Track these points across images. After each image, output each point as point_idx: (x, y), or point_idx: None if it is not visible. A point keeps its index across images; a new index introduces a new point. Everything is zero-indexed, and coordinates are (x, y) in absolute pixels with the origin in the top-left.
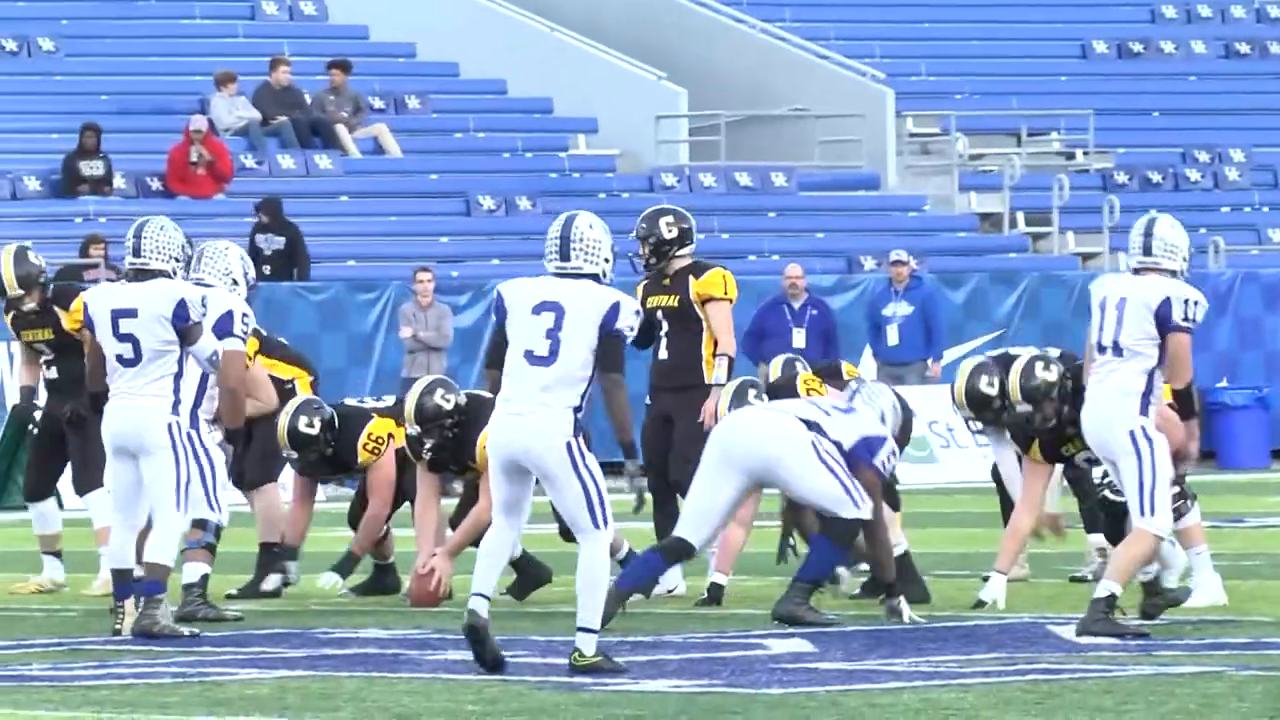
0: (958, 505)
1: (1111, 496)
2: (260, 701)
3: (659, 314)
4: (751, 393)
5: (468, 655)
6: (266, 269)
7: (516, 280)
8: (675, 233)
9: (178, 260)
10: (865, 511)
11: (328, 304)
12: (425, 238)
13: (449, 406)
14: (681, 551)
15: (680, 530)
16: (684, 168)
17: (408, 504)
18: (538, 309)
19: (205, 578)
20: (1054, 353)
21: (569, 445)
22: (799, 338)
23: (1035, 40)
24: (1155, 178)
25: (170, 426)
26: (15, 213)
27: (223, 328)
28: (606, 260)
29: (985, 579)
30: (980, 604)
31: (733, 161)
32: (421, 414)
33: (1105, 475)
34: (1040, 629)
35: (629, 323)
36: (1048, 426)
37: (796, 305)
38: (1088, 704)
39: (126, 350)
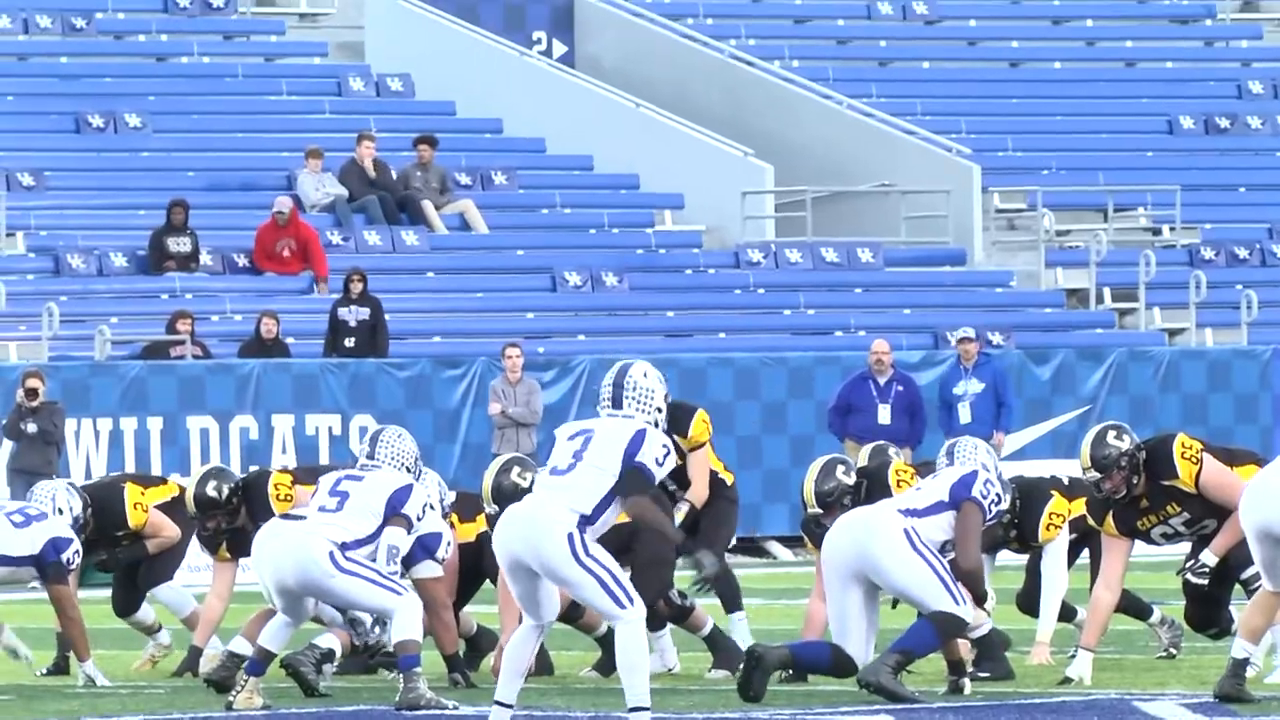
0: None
1: (1193, 579)
2: None
3: None
4: (840, 469)
5: None
6: (350, 341)
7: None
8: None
9: (410, 470)
10: (966, 613)
11: (414, 380)
12: (511, 314)
13: (525, 485)
14: (849, 666)
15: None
16: (770, 243)
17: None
18: (573, 436)
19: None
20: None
21: (570, 537)
22: (884, 414)
23: (1122, 116)
24: (1242, 253)
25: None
26: (102, 289)
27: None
28: (659, 410)
29: (1071, 656)
30: (1067, 680)
31: (819, 237)
32: (498, 492)
33: (1188, 558)
34: (1126, 704)
35: (654, 454)
36: (1117, 497)
37: (882, 381)
38: None
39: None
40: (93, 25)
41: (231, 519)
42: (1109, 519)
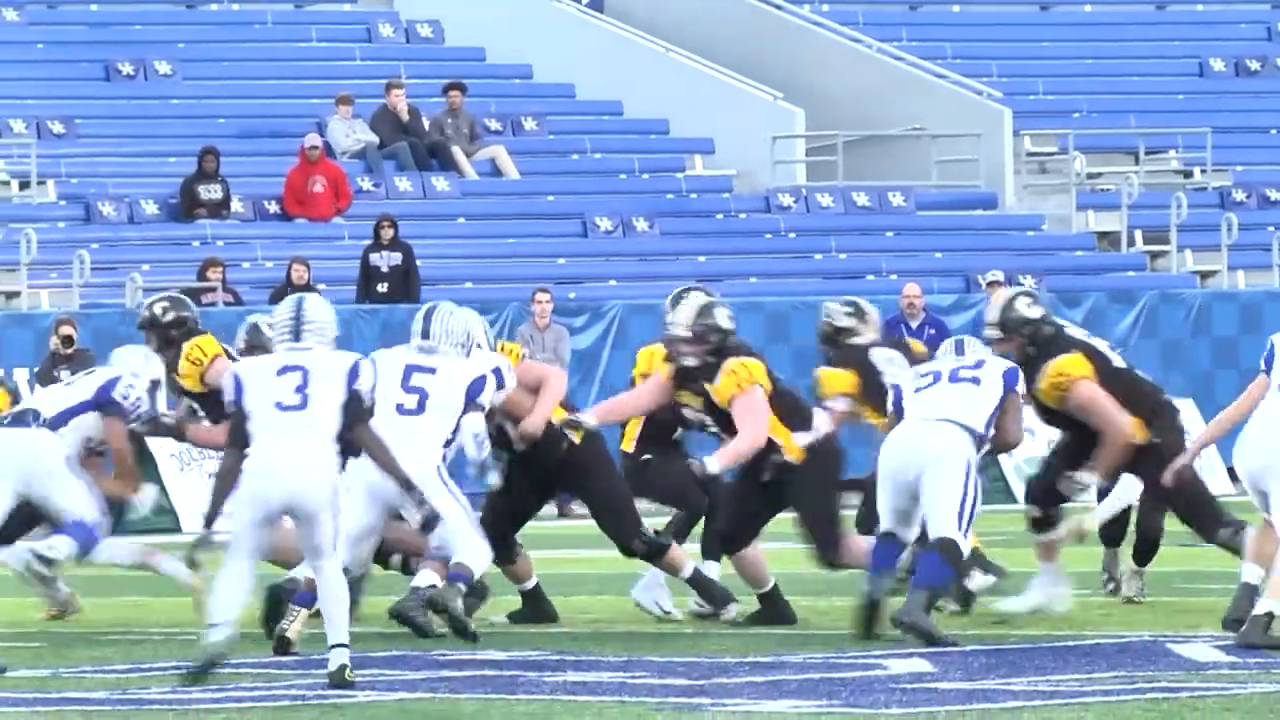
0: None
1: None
2: None
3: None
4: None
5: (587, 677)
6: (382, 286)
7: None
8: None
9: (463, 346)
10: (965, 547)
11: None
12: (542, 259)
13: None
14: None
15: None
16: (801, 188)
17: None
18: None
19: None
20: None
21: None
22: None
23: (1153, 59)
24: (1273, 195)
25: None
26: (134, 236)
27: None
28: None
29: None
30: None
31: (850, 181)
32: None
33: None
34: (1159, 647)
35: (367, 384)
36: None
37: (915, 324)
38: None
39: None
40: None
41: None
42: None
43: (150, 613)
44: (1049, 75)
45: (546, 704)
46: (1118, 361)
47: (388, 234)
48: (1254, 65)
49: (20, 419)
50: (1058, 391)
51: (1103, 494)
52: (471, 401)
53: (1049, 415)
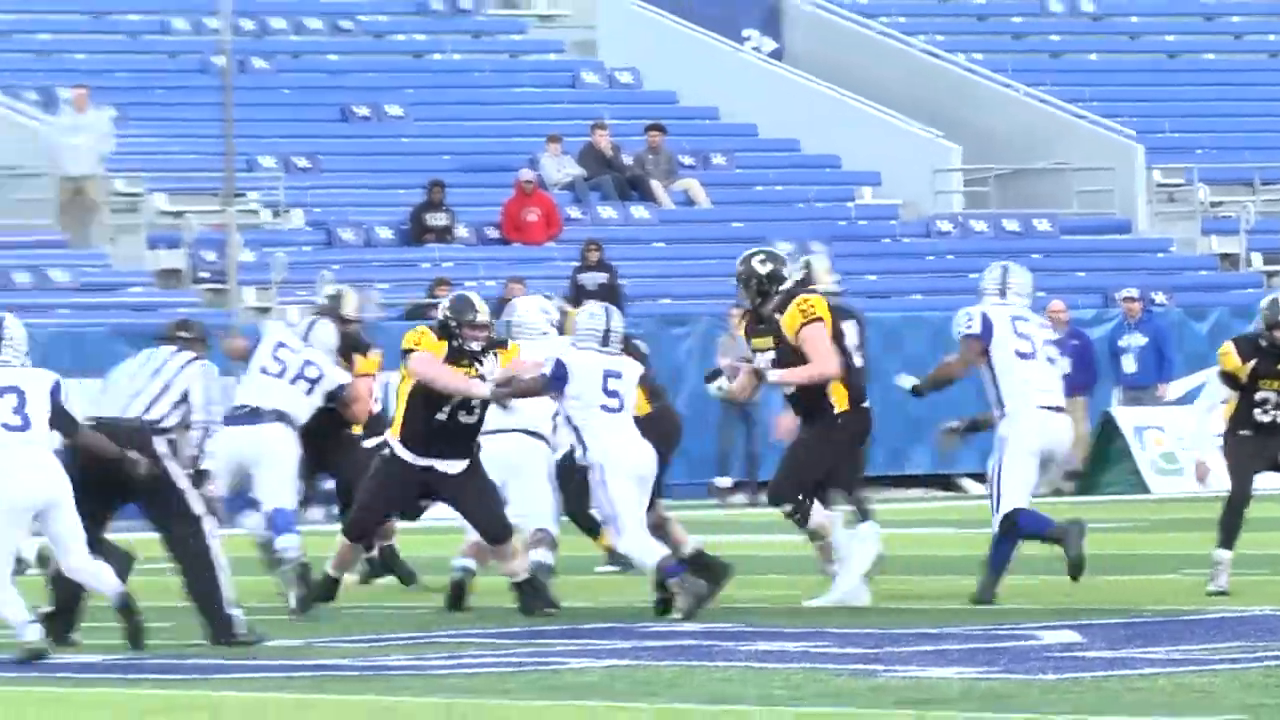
0: (1211, 511)
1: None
2: (590, 688)
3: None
4: None
5: (774, 646)
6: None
7: None
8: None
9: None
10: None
11: (645, 337)
12: (730, 278)
13: None
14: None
15: None
16: (958, 215)
17: None
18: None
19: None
20: None
21: None
22: (1062, 365)
23: (1268, 101)
24: None
25: None
26: (369, 258)
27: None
28: None
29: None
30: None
31: (1001, 210)
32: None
33: None
34: (1278, 619)
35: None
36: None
37: (1059, 336)
38: None
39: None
40: (357, 26)
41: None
42: None
43: (380, 591)
44: (1176, 115)
45: (740, 671)
46: None
47: (594, 256)
48: None
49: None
50: None
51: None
52: None
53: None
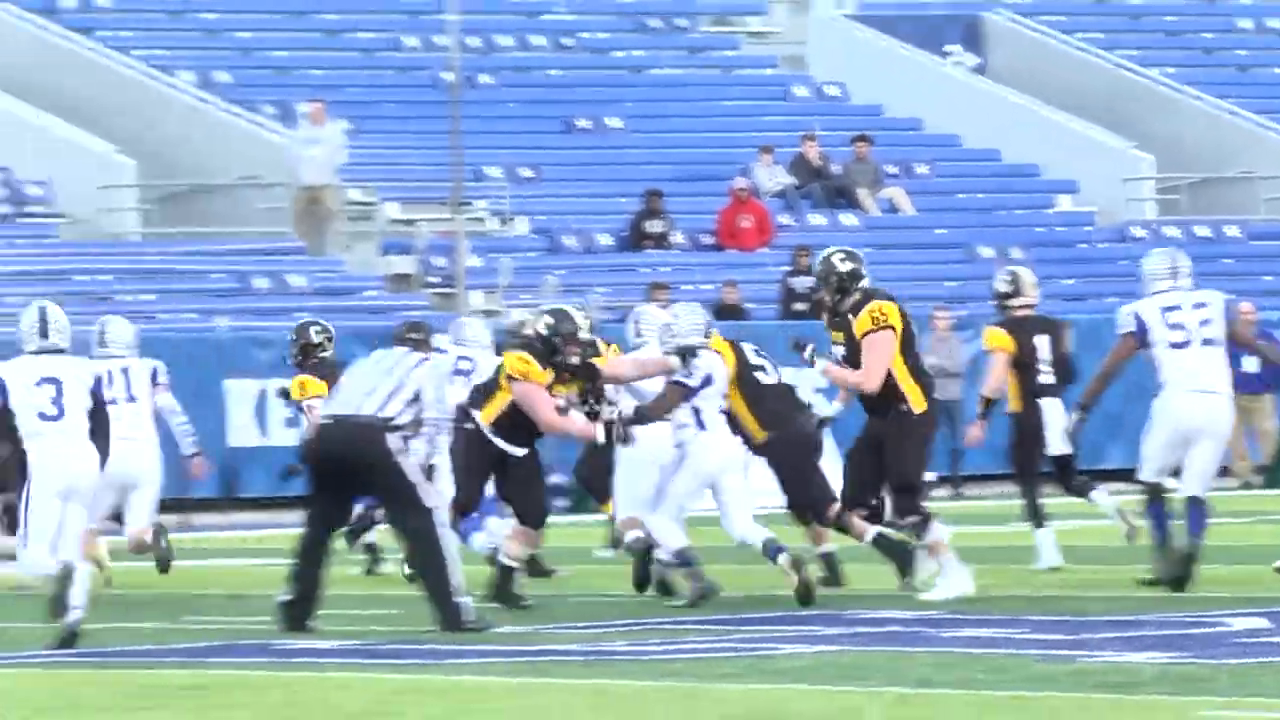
0: None
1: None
2: (801, 672)
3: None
4: None
5: (979, 633)
6: (800, 305)
7: None
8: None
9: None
10: None
11: None
12: (933, 282)
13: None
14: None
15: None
16: (1151, 222)
17: None
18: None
19: None
20: None
21: None
22: (1250, 364)
23: None
24: None
25: None
26: (591, 264)
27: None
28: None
29: None
30: None
31: (1192, 216)
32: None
33: None
34: None
35: None
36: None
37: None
38: None
39: None
40: (579, 43)
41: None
42: None
43: (612, 579)
44: None
45: (944, 655)
46: None
47: (804, 261)
48: None
49: None
50: None
51: None
52: None
53: None
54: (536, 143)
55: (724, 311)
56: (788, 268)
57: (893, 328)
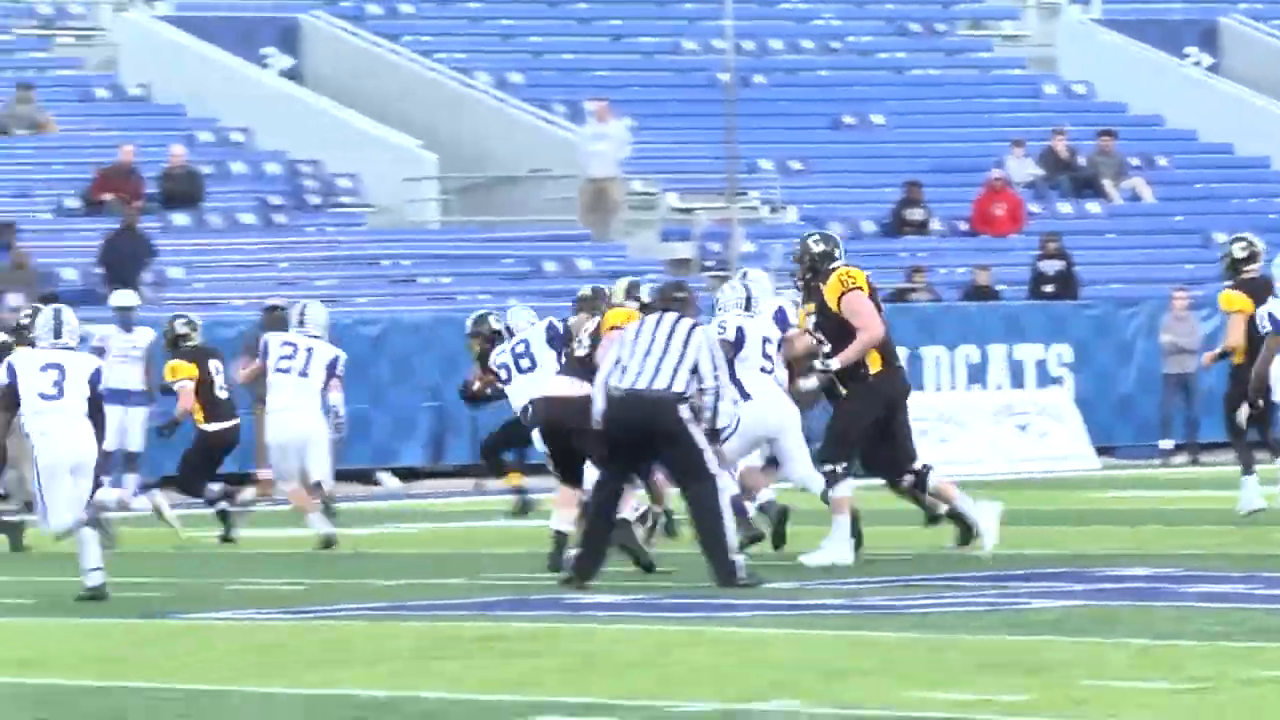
0: None
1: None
2: (1047, 625)
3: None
4: None
5: (1216, 588)
6: (1048, 288)
7: None
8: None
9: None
10: None
11: (1098, 318)
12: (1172, 265)
13: None
14: None
15: None
16: None
17: None
18: None
19: None
20: None
21: None
22: None
23: None
24: None
25: None
26: (854, 248)
27: None
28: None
29: None
30: None
31: None
32: None
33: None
34: None
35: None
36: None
37: None
38: None
39: None
40: (845, 46)
41: None
42: None
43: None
44: None
45: (1182, 609)
46: None
47: (1053, 246)
48: None
49: None
50: None
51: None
52: None
53: None
54: (805, 138)
55: (976, 292)
56: (1037, 252)
57: (860, 288)
